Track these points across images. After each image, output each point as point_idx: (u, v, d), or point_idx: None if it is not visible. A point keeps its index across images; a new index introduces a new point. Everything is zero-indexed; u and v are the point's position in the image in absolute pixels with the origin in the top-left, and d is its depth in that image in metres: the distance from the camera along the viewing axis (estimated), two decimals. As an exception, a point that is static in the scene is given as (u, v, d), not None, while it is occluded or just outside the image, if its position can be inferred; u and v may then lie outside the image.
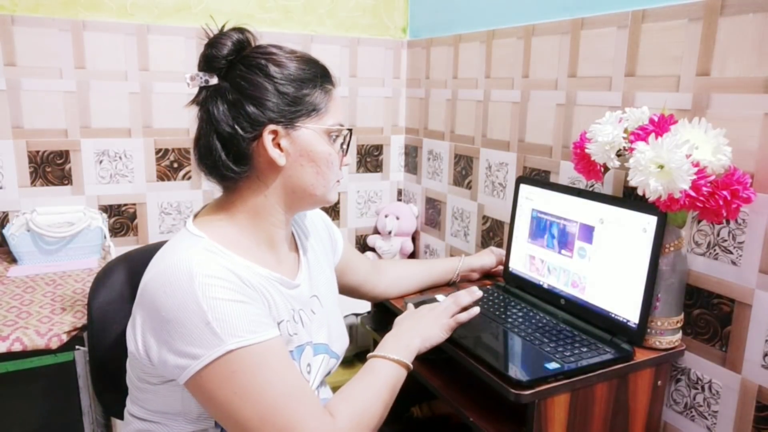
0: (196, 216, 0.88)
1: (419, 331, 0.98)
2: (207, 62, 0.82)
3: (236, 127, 0.80)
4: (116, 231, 1.72)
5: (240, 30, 0.84)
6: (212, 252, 0.78)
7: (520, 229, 1.26)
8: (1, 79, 1.52)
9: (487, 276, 1.37)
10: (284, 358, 0.78)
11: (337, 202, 2.03)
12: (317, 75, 0.85)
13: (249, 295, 0.78)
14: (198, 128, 0.85)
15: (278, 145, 0.82)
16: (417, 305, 1.17)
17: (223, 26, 0.84)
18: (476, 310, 1.07)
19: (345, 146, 0.90)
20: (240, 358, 0.73)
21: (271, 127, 0.81)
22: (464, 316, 1.04)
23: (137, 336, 0.78)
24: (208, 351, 0.72)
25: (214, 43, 0.82)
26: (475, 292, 1.10)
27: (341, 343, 1.01)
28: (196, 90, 0.85)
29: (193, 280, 0.73)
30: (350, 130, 0.90)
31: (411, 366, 0.92)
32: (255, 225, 0.86)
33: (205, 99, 0.83)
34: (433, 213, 1.92)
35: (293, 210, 0.90)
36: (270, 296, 0.83)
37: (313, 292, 0.96)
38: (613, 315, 1.04)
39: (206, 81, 0.81)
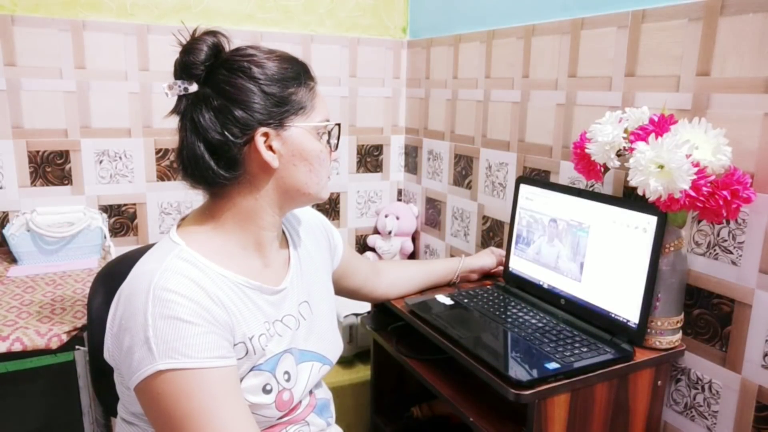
0: (182, 221, 0.86)
1: None
2: (184, 69, 0.80)
3: (226, 133, 0.78)
4: (116, 231, 1.72)
5: (213, 33, 0.81)
6: (185, 260, 0.76)
7: (519, 229, 1.26)
8: (1, 79, 1.53)
9: (487, 276, 1.37)
10: (222, 393, 0.72)
11: (337, 203, 2.03)
12: (299, 73, 0.84)
13: (204, 317, 0.73)
14: (180, 138, 0.82)
15: (270, 147, 0.81)
16: (416, 306, 1.17)
17: (195, 30, 0.82)
18: None
19: (334, 141, 0.89)
20: (168, 381, 0.70)
21: (262, 129, 0.79)
22: None
23: (107, 339, 0.78)
24: (141, 367, 0.70)
25: (190, 49, 0.80)
26: None
27: (334, 350, 0.98)
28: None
29: (149, 293, 0.72)
30: (338, 125, 0.89)
31: None
32: (243, 229, 0.84)
33: (186, 107, 0.81)
34: (433, 213, 1.92)
35: (285, 210, 0.88)
36: (239, 312, 0.80)
37: (303, 298, 0.94)
38: (613, 315, 1.04)
39: (185, 89, 0.79)
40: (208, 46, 0.80)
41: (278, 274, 0.90)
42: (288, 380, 0.86)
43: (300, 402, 0.90)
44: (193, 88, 0.80)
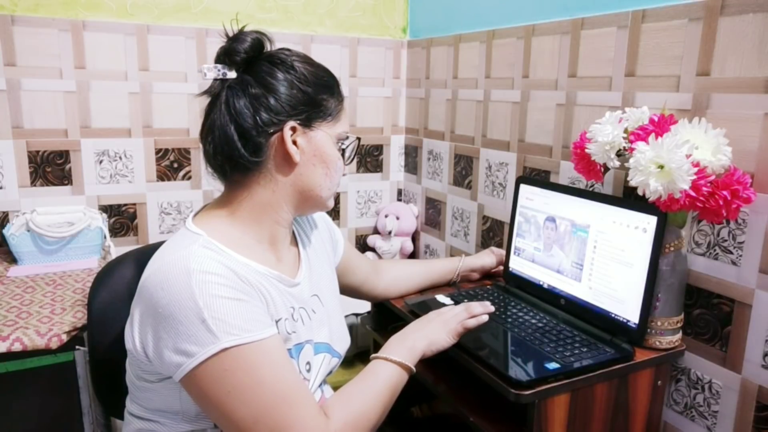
0: (196, 214, 0.89)
1: (426, 333, 0.97)
2: (227, 55, 0.85)
3: (257, 119, 0.83)
4: (116, 231, 1.72)
5: (259, 32, 0.87)
6: (210, 249, 0.79)
7: (519, 230, 1.26)
8: (1, 79, 1.52)
9: (487, 276, 1.37)
10: (280, 358, 0.78)
11: (337, 203, 2.03)
12: (333, 84, 0.90)
13: (246, 292, 0.78)
14: (211, 119, 0.85)
15: (294, 142, 0.85)
16: (416, 306, 1.17)
17: (244, 27, 0.87)
18: (485, 317, 1.05)
19: (351, 154, 0.94)
20: (234, 357, 0.73)
21: (292, 123, 0.84)
22: (472, 322, 1.02)
23: (135, 333, 0.79)
24: (202, 348, 0.72)
25: (237, 37, 0.85)
26: (488, 306, 1.08)
27: (343, 343, 1.01)
28: (199, 88, 0.87)
29: (190, 277, 0.73)
30: (358, 139, 0.94)
31: (413, 369, 0.91)
32: (258, 222, 0.87)
33: (221, 91, 0.85)
34: (433, 213, 1.92)
35: (297, 210, 0.91)
36: (268, 294, 0.83)
37: (314, 292, 0.96)
38: (613, 315, 1.04)
39: (224, 74, 0.84)
40: (252, 39, 0.86)
41: (291, 269, 0.94)
42: (309, 371, 0.90)
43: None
44: (232, 74, 0.84)
